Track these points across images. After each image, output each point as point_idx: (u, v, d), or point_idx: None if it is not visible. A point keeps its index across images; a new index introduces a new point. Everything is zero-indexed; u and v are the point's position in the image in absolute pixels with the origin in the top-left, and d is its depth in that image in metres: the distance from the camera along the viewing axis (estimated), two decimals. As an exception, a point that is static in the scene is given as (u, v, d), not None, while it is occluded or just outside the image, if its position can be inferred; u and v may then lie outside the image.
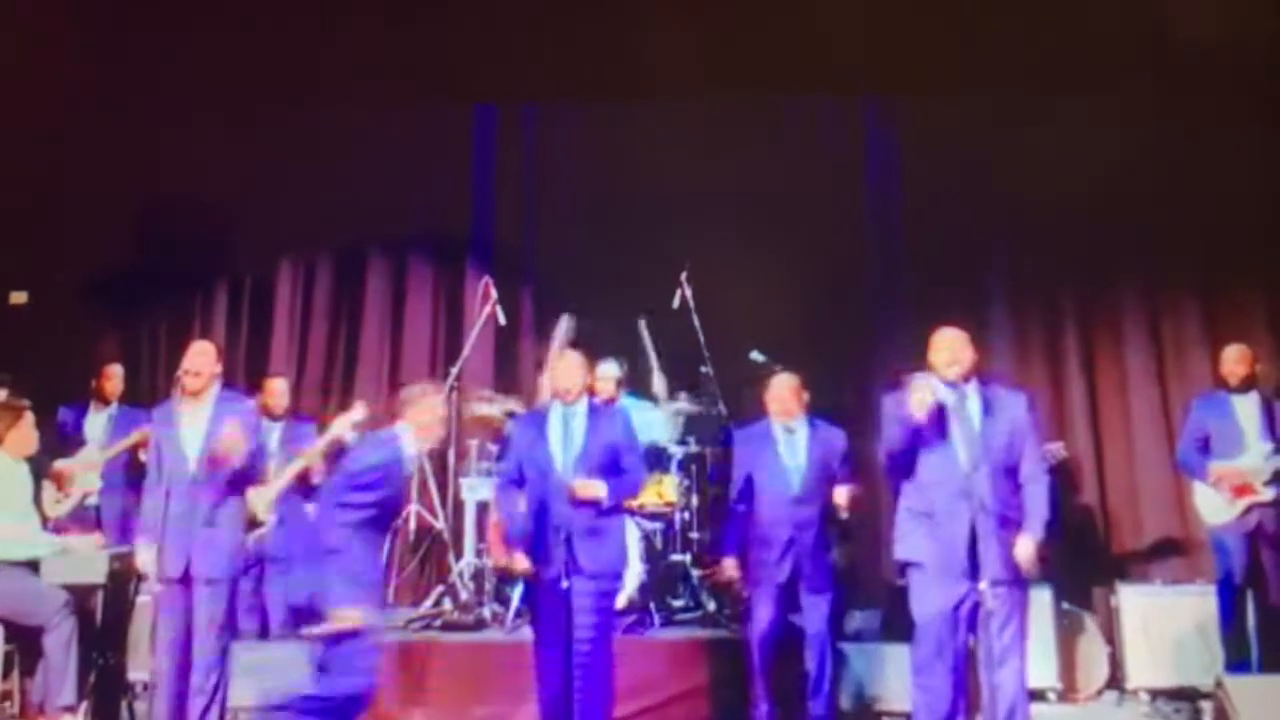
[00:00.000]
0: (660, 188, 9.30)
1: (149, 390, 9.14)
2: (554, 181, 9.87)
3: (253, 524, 7.24)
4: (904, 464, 5.94)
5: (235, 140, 9.43)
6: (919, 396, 5.73)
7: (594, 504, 6.24)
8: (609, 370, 8.03)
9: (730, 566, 6.91)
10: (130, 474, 8.06)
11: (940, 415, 5.82)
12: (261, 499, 7.32)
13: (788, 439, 6.89)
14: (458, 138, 10.02)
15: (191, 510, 6.36)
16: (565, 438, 6.41)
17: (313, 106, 9.60)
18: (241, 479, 6.53)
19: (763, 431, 6.98)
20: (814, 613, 6.75)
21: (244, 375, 9.23)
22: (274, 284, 10.06)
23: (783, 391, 6.96)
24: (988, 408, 5.91)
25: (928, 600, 5.87)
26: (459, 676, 7.31)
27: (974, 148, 9.29)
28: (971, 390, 5.95)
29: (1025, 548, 5.76)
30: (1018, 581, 5.78)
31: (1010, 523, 5.79)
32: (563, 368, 6.60)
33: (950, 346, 5.97)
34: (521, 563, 6.34)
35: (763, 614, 6.78)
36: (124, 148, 9.18)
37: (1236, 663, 7.34)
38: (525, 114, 10.07)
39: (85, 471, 7.95)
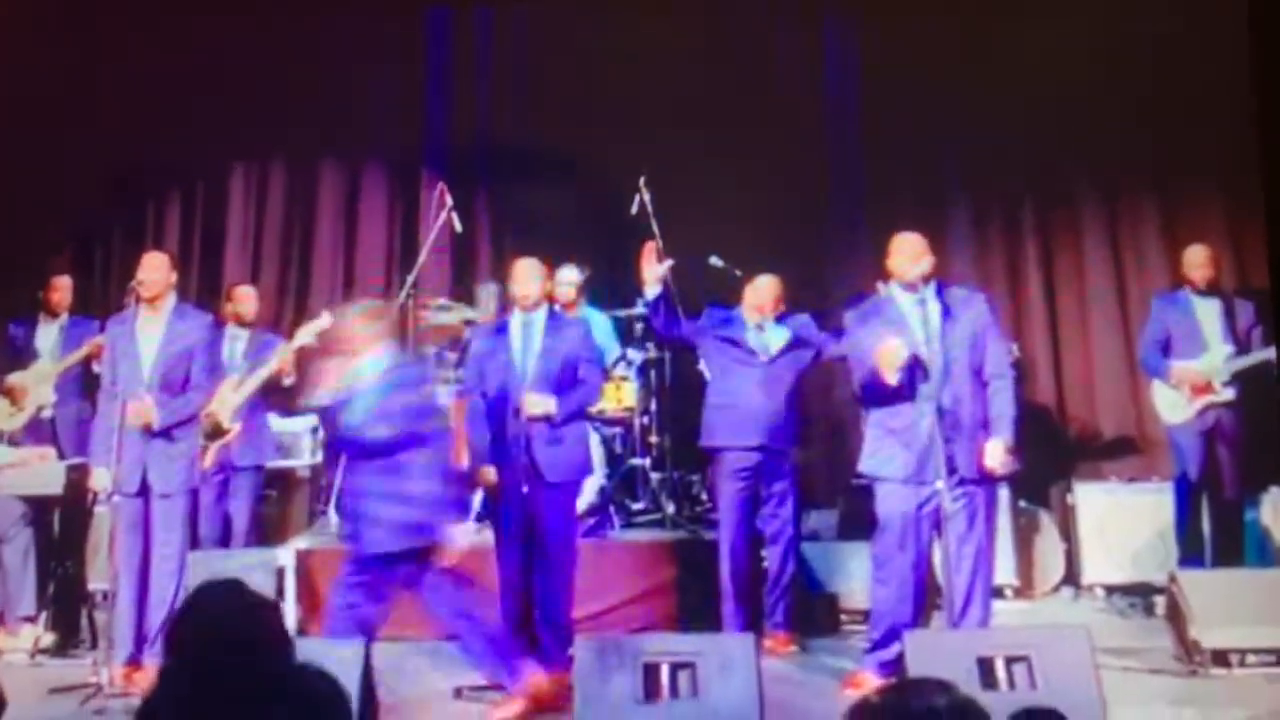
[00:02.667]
0: (617, 92, 9.23)
1: (101, 301, 9.06)
2: (509, 86, 9.74)
3: (218, 432, 7.25)
4: (878, 399, 5.98)
5: (184, 48, 9.27)
6: (889, 360, 5.75)
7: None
8: (569, 275, 8.00)
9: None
10: (84, 385, 8.01)
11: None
12: (226, 407, 7.34)
13: (758, 333, 6.99)
14: (411, 42, 9.86)
15: (147, 422, 6.32)
16: (525, 346, 6.39)
17: (262, 11, 9.42)
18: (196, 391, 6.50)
19: (734, 316, 7.09)
20: (778, 510, 6.90)
21: (197, 284, 9.17)
22: (227, 192, 9.94)
23: (763, 290, 7.07)
24: (947, 311, 5.95)
25: (892, 500, 5.95)
26: (420, 581, 7.35)
27: (932, 54, 9.21)
28: (930, 293, 5.98)
29: (995, 451, 5.82)
30: (980, 482, 5.85)
31: (974, 424, 5.86)
32: (519, 274, 6.56)
33: (910, 251, 6.01)
34: (489, 475, 6.34)
35: (730, 514, 6.92)
36: (71, 59, 9.01)
37: (1190, 558, 7.45)
38: (479, 17, 9.93)
39: (38, 385, 7.90)
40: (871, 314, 6.09)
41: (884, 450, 5.96)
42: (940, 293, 6.01)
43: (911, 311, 5.95)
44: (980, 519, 5.84)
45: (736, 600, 6.84)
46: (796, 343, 6.98)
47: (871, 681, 5.86)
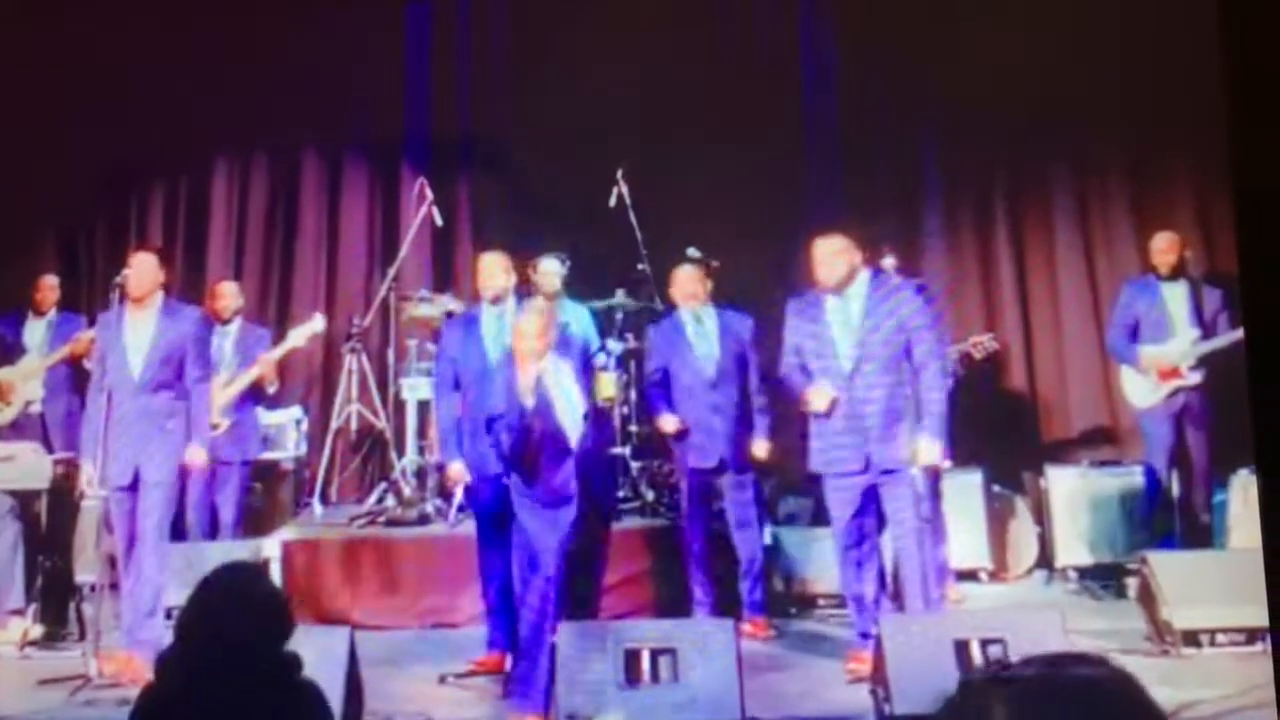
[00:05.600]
0: (596, 85, 9.26)
1: (87, 297, 9.11)
2: (488, 80, 9.79)
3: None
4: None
5: (167, 44, 9.30)
6: (817, 403, 6.02)
7: None
8: (551, 266, 8.05)
9: (669, 420, 7.13)
10: (72, 381, 8.08)
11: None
12: (215, 402, 7.38)
13: (697, 328, 7.12)
14: (391, 36, 9.89)
15: (136, 418, 6.37)
16: (498, 337, 6.47)
17: (245, 7, 9.45)
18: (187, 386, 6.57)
19: (673, 323, 7.22)
20: (738, 496, 7.06)
21: (181, 279, 9.19)
22: (209, 187, 9.97)
23: (683, 280, 7.21)
24: (872, 307, 6.08)
25: (831, 493, 6.18)
26: (404, 570, 7.47)
27: (906, 43, 9.27)
28: (854, 291, 6.12)
29: (925, 449, 5.92)
30: (906, 470, 5.96)
31: (891, 416, 5.98)
32: (481, 270, 6.69)
33: (823, 258, 6.15)
34: (457, 473, 6.51)
35: (693, 502, 7.09)
36: (53, 56, 9.03)
37: (1161, 539, 7.52)
38: (459, 11, 9.98)
39: (26, 380, 7.96)
40: (801, 311, 6.28)
41: (820, 444, 6.16)
42: (870, 284, 6.14)
43: (834, 311, 6.12)
44: (914, 504, 5.90)
45: (701, 583, 7.00)
46: (735, 349, 7.12)
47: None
